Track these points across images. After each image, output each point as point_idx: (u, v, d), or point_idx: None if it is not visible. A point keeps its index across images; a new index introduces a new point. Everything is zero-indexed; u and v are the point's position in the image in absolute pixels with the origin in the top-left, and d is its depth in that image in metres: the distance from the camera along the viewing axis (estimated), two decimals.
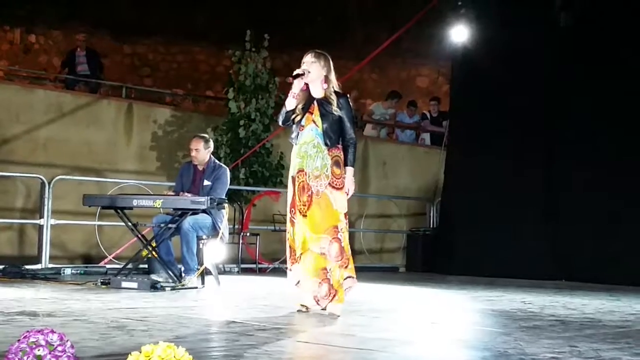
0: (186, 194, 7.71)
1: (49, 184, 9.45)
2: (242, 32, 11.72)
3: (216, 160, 8.20)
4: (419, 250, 12.15)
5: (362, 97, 18.02)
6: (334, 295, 5.31)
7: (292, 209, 5.46)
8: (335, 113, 5.45)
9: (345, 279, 5.38)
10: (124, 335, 4.13)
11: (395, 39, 10.96)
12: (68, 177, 10.35)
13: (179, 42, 17.80)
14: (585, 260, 9.93)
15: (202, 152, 7.98)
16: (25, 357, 2.90)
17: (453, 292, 8.24)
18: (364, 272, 11.52)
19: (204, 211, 7.46)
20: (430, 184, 13.23)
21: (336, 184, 5.41)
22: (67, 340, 2.99)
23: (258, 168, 11.61)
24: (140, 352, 2.86)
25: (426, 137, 14.90)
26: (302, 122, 5.50)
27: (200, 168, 8.03)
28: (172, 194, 7.86)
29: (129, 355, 2.85)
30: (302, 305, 5.52)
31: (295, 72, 5.45)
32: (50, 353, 2.92)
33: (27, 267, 8.71)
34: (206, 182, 7.90)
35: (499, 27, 10.98)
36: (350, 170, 5.50)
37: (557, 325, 5.32)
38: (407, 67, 18.74)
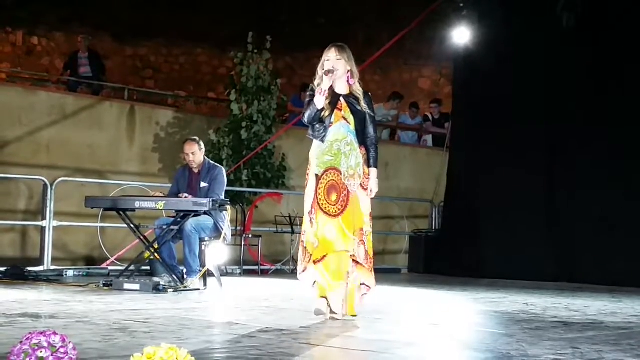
0: (185, 195, 7.69)
1: (52, 185, 9.46)
2: (244, 33, 11.73)
3: (210, 161, 8.19)
4: (421, 251, 12.13)
5: None
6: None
7: (313, 209, 5.20)
8: (362, 111, 5.30)
9: (361, 285, 5.26)
10: (126, 337, 4.13)
11: (397, 40, 10.96)
12: (70, 179, 10.35)
13: (181, 44, 17.80)
14: (587, 261, 9.92)
15: (197, 154, 7.99)
16: (27, 359, 2.90)
17: (455, 293, 8.24)
18: None
19: (206, 213, 7.46)
20: (432, 186, 13.22)
21: (365, 184, 5.27)
22: (70, 342, 3.00)
23: (260, 170, 11.61)
24: (143, 354, 2.86)
25: (428, 138, 14.90)
26: (332, 119, 5.28)
27: (195, 170, 8.03)
28: (160, 194, 7.81)
29: (132, 357, 2.86)
30: (331, 312, 5.20)
31: (326, 69, 5.25)
32: (52, 355, 2.92)
33: (30, 268, 8.72)
34: (203, 184, 7.89)
35: (501, 28, 10.98)
36: (374, 171, 5.33)
37: (559, 326, 5.32)
38: (409, 68, 18.73)
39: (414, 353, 4.03)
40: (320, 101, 5.26)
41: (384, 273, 11.83)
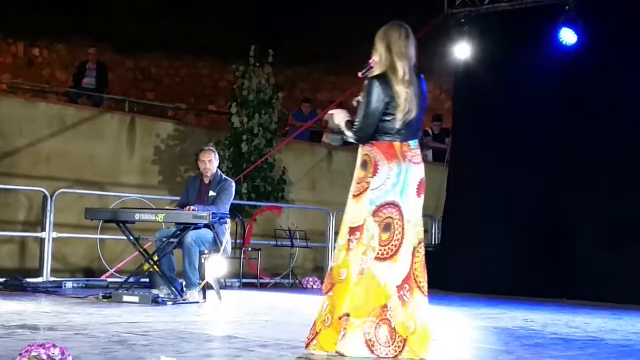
0: (192, 207, 7.70)
1: (51, 197, 9.45)
2: (246, 46, 11.75)
3: (222, 174, 8.24)
4: None
5: None
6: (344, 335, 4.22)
7: None
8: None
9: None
10: (125, 350, 4.12)
11: None
12: (70, 190, 10.35)
13: (182, 56, 17.84)
14: (587, 278, 9.90)
15: (213, 162, 8.05)
16: None
17: (454, 309, 8.21)
18: None
19: (206, 225, 7.46)
20: (432, 200, 13.21)
21: (354, 190, 4.35)
22: (69, 355, 2.99)
23: (260, 183, 11.61)
24: None
25: (428, 153, 14.90)
26: None
27: (206, 181, 8.06)
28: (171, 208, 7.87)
29: None
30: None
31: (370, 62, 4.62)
32: None
33: (29, 280, 8.70)
34: (211, 193, 7.93)
35: (501, 43, 10.99)
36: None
37: (559, 343, 5.31)
38: None
39: None
40: None
41: None
